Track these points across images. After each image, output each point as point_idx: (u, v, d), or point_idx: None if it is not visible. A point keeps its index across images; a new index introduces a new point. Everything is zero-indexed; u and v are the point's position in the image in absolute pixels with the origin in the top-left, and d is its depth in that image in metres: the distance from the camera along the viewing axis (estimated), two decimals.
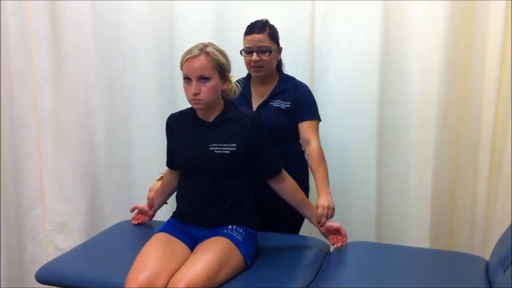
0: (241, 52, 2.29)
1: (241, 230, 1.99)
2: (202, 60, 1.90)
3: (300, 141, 2.35)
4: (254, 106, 2.34)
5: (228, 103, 2.05)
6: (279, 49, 2.35)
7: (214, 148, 1.96)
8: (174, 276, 1.77)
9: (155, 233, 2.01)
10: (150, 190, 2.33)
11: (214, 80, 1.92)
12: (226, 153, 1.95)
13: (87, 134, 2.93)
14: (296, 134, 2.37)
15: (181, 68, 1.94)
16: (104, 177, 2.97)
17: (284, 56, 2.58)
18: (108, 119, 2.93)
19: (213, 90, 1.93)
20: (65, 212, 2.99)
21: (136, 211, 2.41)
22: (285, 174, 2.06)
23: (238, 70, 2.20)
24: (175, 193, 2.18)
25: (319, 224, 2.13)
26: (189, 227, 2.03)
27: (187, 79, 1.93)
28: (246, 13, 2.61)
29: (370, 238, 2.73)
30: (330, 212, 2.14)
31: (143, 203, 2.36)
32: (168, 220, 2.10)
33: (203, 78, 1.91)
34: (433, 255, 2.25)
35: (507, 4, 2.41)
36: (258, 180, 2.07)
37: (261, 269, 1.96)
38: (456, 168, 2.66)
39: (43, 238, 3.00)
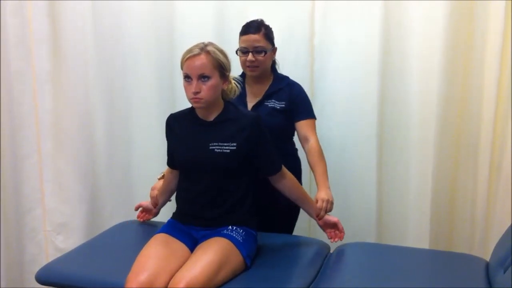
0: (236, 52, 2.30)
1: (241, 230, 1.99)
2: (202, 59, 1.91)
3: (298, 139, 2.38)
4: (249, 106, 2.36)
5: (228, 103, 2.05)
6: (274, 49, 2.36)
7: (214, 147, 1.96)
8: (174, 277, 1.78)
9: (155, 234, 2.01)
10: (152, 189, 2.34)
11: (215, 79, 1.93)
12: (227, 152, 1.95)
13: (87, 134, 2.93)
14: (290, 133, 2.42)
15: (182, 67, 1.95)
16: (104, 177, 2.97)
17: (284, 56, 2.59)
18: (108, 119, 2.93)
19: (213, 89, 1.93)
20: (65, 213, 2.98)
21: (140, 209, 2.42)
22: (285, 171, 2.08)
23: (234, 69, 2.20)
24: (175, 194, 2.19)
25: (318, 217, 2.15)
26: (189, 228, 2.03)
27: (187, 78, 1.93)
28: (246, 13, 2.61)
29: (370, 238, 2.73)
30: (329, 206, 2.17)
31: (147, 201, 2.37)
32: (168, 221, 2.10)
33: (203, 77, 1.91)
34: (433, 255, 2.25)
35: (507, 4, 2.41)
36: (257, 180, 2.07)
37: (261, 270, 1.96)
38: (456, 168, 2.66)
39: (43, 239, 2.99)
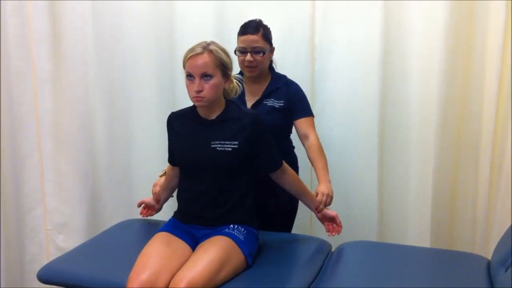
0: (235, 51, 2.31)
1: (242, 229, 1.99)
2: (205, 58, 1.91)
3: (298, 137, 2.41)
4: (248, 105, 2.37)
5: (230, 102, 2.05)
6: (272, 49, 2.38)
7: (216, 146, 1.96)
8: (175, 276, 1.78)
9: (156, 233, 2.01)
10: (154, 185, 2.35)
11: (217, 78, 1.93)
12: (228, 151, 1.96)
13: (87, 134, 2.93)
14: (288, 132, 2.45)
15: (184, 66, 1.95)
16: (104, 177, 2.97)
17: (284, 56, 2.60)
18: (108, 119, 2.93)
19: (215, 88, 1.94)
20: (65, 212, 2.98)
21: (143, 205, 2.42)
22: (285, 166, 2.10)
23: (235, 69, 2.21)
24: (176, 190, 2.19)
25: (317, 210, 2.17)
26: (191, 227, 2.03)
27: (190, 76, 1.94)
28: (246, 13, 2.61)
29: (371, 237, 2.73)
30: (328, 200, 2.19)
31: (149, 198, 2.37)
32: (170, 220, 2.10)
33: (206, 76, 1.91)
34: (434, 254, 2.25)
35: (507, 4, 2.42)
36: (256, 179, 2.08)
37: (262, 268, 1.96)
38: (456, 168, 2.66)
39: (44, 238, 2.99)
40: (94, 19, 2.82)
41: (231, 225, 1.98)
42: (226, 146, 1.96)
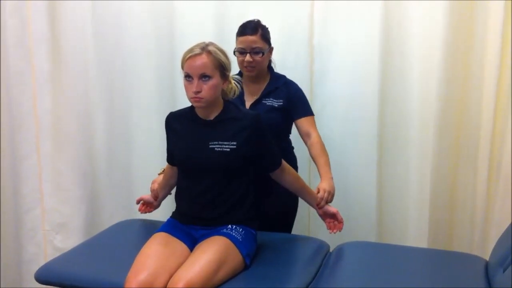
0: (234, 52, 2.31)
1: (241, 229, 1.98)
2: (204, 59, 1.91)
3: (300, 136, 2.41)
4: (247, 104, 2.37)
5: (228, 102, 2.05)
6: (271, 49, 2.39)
7: (214, 146, 1.96)
8: (173, 276, 1.78)
9: (154, 233, 2.01)
10: (153, 182, 2.36)
11: (215, 79, 1.93)
12: (227, 151, 1.95)
13: (86, 134, 2.93)
14: (287, 131, 2.46)
15: (182, 67, 1.95)
16: (103, 177, 2.97)
17: (283, 56, 2.60)
18: (108, 119, 2.93)
19: (214, 89, 1.94)
20: (64, 213, 2.98)
21: (141, 202, 2.42)
22: (285, 164, 2.10)
23: (234, 69, 2.20)
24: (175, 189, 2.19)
25: (318, 206, 2.17)
26: (189, 227, 2.03)
27: (188, 77, 1.94)
28: (246, 13, 2.61)
29: (370, 237, 2.73)
30: (330, 197, 2.19)
31: (148, 195, 2.38)
32: (168, 220, 2.10)
33: (204, 77, 1.92)
34: (432, 255, 2.25)
35: (506, 4, 2.41)
36: (256, 179, 2.08)
37: (260, 269, 1.96)
38: (455, 168, 2.65)
39: (42, 238, 2.99)
40: (93, 19, 2.82)
41: (229, 226, 1.98)
42: (224, 146, 1.96)
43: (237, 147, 1.96)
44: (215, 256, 1.83)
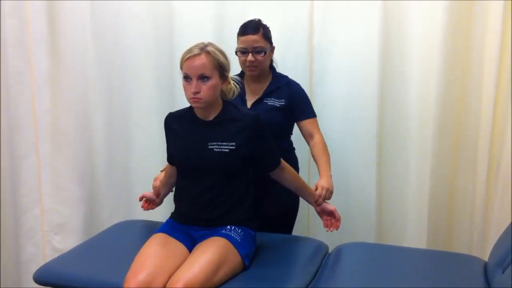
0: (236, 52, 2.31)
1: (240, 230, 1.98)
2: (202, 59, 1.91)
3: (303, 136, 2.42)
4: (249, 104, 2.37)
5: (227, 103, 2.05)
6: (272, 48, 2.38)
7: (213, 147, 1.96)
8: (172, 276, 1.78)
9: (153, 234, 2.01)
10: (155, 179, 2.36)
11: (214, 79, 1.93)
12: (225, 152, 1.95)
13: (85, 134, 2.93)
14: (288, 131, 2.46)
15: (181, 67, 1.95)
16: (102, 177, 2.97)
17: (283, 56, 2.59)
18: (107, 119, 2.93)
19: (213, 89, 1.93)
20: (63, 213, 2.98)
21: (144, 199, 2.42)
22: (284, 163, 2.10)
23: (234, 69, 2.20)
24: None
25: (316, 203, 2.18)
26: (188, 228, 2.03)
27: (187, 77, 1.93)
28: (246, 13, 2.60)
29: (369, 237, 2.73)
30: (328, 194, 2.20)
31: (150, 192, 2.38)
32: (167, 221, 2.10)
33: (203, 77, 1.91)
34: (431, 255, 2.25)
35: (506, 4, 2.41)
36: (257, 180, 2.08)
37: (259, 269, 1.95)
38: (454, 168, 2.65)
39: (41, 239, 2.99)
40: (92, 19, 2.82)
41: (228, 226, 1.98)
42: (223, 147, 1.96)
43: (236, 148, 1.95)
44: (214, 257, 1.82)
